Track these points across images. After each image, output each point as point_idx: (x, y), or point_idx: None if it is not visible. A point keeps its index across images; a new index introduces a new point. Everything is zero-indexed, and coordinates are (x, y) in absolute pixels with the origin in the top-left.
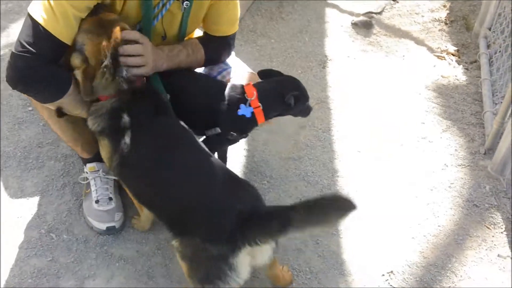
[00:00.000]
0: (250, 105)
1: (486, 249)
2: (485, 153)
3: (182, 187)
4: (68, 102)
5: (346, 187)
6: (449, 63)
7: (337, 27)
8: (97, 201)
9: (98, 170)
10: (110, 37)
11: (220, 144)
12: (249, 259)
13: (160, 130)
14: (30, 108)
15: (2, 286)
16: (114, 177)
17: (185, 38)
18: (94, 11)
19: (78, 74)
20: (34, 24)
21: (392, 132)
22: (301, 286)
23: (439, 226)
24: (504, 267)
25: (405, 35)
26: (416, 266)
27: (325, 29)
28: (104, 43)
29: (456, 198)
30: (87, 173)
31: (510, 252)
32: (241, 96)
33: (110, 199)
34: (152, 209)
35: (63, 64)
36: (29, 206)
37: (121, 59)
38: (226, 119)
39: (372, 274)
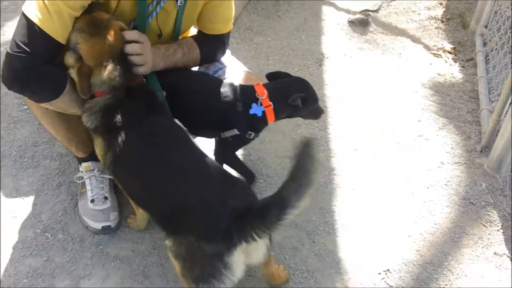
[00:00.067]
0: (261, 104)
1: (483, 247)
2: (481, 151)
3: (175, 185)
4: (64, 101)
5: (342, 185)
6: (446, 61)
7: (333, 25)
8: (92, 201)
9: (94, 169)
10: (105, 37)
11: (241, 144)
12: (244, 257)
13: (154, 128)
14: (25, 107)
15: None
16: (109, 176)
17: (180, 37)
18: (88, 10)
19: (73, 73)
20: (29, 23)
21: (389, 130)
22: (298, 285)
23: (435, 224)
24: (500, 265)
25: (402, 33)
26: (412, 264)
27: (321, 27)
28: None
29: (452, 196)
30: (82, 172)
31: (506, 250)
32: (253, 95)
33: (106, 198)
34: (145, 207)
35: (59, 63)
36: (24, 205)
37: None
38: (242, 119)
39: (368, 272)
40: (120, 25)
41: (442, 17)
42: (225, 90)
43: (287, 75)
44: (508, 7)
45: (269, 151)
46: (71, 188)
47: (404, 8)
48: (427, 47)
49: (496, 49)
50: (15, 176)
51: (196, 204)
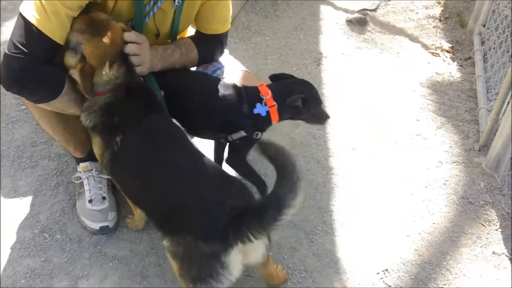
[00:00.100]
0: (265, 104)
1: (481, 247)
2: (479, 150)
3: (173, 184)
4: (62, 101)
5: (340, 184)
6: (444, 60)
7: (331, 24)
8: (90, 201)
9: (91, 170)
10: (106, 37)
11: (249, 146)
12: (241, 257)
13: (152, 127)
14: (23, 107)
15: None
16: (107, 177)
17: (178, 37)
18: (85, 10)
19: (74, 73)
20: (27, 24)
21: (387, 129)
22: (296, 284)
23: (433, 223)
24: (499, 264)
25: (400, 32)
26: (411, 264)
27: (319, 27)
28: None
29: (450, 195)
30: (80, 172)
31: (505, 249)
32: (257, 95)
33: (104, 198)
34: (143, 207)
35: (59, 63)
36: (22, 205)
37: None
38: (248, 120)
39: (367, 272)
40: (122, 26)
41: (440, 16)
42: (229, 92)
43: (290, 76)
44: (506, 6)
45: None
46: (69, 188)
47: (402, 7)
48: (425, 46)
49: (494, 48)
50: (13, 176)
51: (194, 204)
